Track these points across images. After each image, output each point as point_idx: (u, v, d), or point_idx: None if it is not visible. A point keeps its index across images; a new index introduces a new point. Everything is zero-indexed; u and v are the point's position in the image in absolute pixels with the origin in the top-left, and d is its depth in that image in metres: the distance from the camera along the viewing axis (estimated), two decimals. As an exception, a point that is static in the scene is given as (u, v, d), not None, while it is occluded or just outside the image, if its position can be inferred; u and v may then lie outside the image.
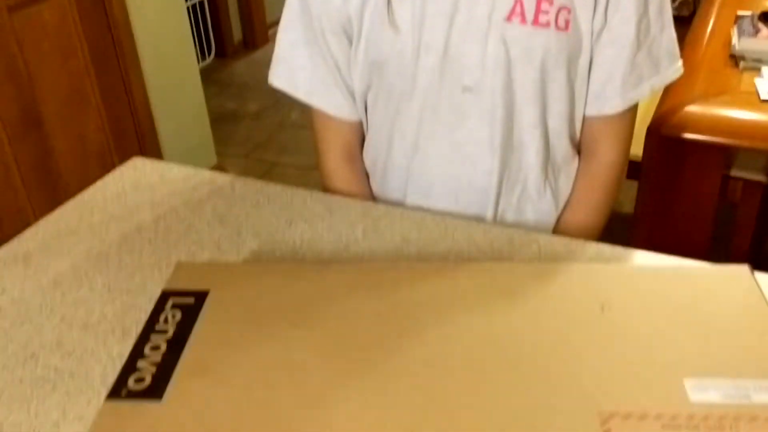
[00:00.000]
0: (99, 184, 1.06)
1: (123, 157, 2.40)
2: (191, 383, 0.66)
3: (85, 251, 0.92)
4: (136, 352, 0.70)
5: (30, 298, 0.84)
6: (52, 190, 2.21)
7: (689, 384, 0.58)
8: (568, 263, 0.80)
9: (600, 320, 0.67)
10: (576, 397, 0.59)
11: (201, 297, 0.74)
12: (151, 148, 2.53)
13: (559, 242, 0.88)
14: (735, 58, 1.69)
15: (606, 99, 0.97)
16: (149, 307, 0.81)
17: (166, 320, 0.73)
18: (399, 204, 1.05)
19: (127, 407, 0.64)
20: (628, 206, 1.99)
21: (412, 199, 1.05)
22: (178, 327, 0.71)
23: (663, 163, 1.86)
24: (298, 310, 0.72)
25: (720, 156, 1.70)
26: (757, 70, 1.62)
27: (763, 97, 1.53)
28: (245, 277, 0.80)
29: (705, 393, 0.57)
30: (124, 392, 0.66)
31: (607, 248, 0.86)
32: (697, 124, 1.61)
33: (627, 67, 0.94)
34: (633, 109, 1.00)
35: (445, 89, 0.95)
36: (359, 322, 0.70)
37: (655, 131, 1.64)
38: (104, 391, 0.71)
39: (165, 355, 0.69)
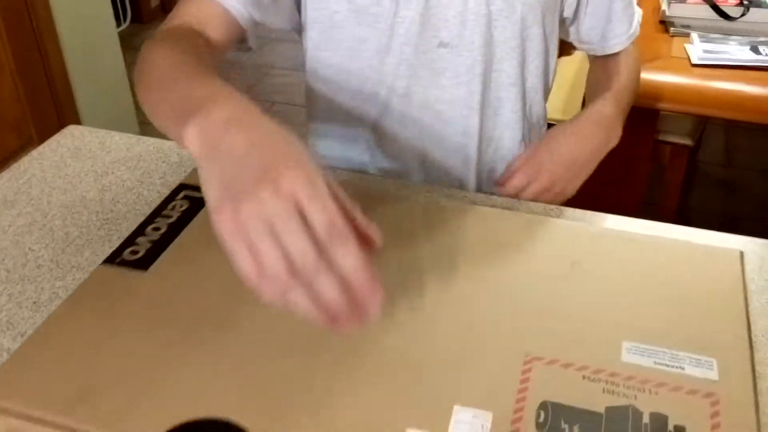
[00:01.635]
0: (34, 154, 1.00)
1: (41, 128, 2.29)
2: (177, 261, 0.73)
3: (27, 225, 0.86)
4: (139, 230, 0.79)
5: (-29, 277, 0.79)
6: (-34, 164, 2.08)
7: (626, 346, 0.59)
8: (555, 219, 0.80)
9: (566, 275, 0.68)
10: (509, 340, 0.60)
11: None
12: (70, 118, 2.42)
13: (537, 206, 0.88)
14: (665, 24, 1.72)
15: (610, 39, 1.03)
16: (104, 282, 0.77)
17: (173, 208, 0.81)
18: (362, 170, 1.02)
19: (115, 273, 0.73)
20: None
21: (377, 163, 1.02)
22: (182, 214, 0.79)
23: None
24: None
25: (652, 121, 1.74)
26: (687, 36, 1.65)
27: (693, 61, 1.57)
28: None
29: (639, 356, 0.59)
30: (117, 260, 0.75)
31: (594, 215, 0.86)
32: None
33: (619, 4, 1.00)
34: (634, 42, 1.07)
35: (422, 44, 0.92)
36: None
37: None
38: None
39: (162, 236, 0.77)
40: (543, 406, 0.55)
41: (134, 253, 0.75)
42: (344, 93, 0.97)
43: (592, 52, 1.08)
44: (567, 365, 0.58)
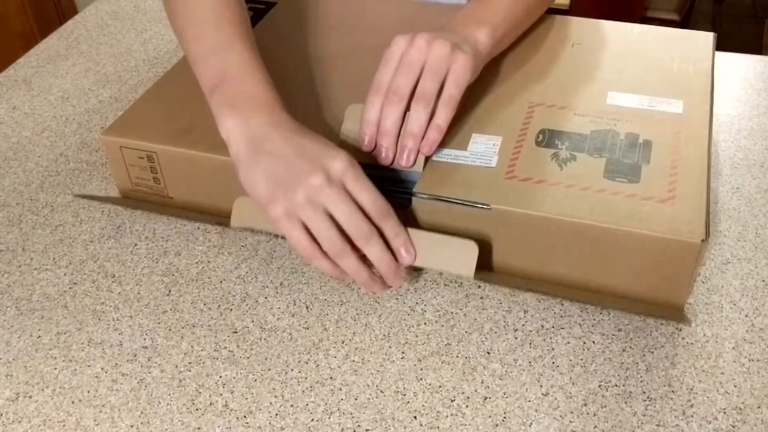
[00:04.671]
0: (77, 18, 1.09)
1: (42, 23, 2.34)
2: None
3: (83, 72, 0.97)
4: None
5: (42, 112, 0.89)
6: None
7: (611, 95, 0.72)
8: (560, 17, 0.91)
9: (567, 51, 0.80)
10: (519, 93, 0.73)
11: (270, 5, 0.92)
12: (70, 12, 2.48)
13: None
14: None
15: None
16: (161, 109, 0.88)
17: None
18: None
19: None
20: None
21: None
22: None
23: (589, 8, 1.98)
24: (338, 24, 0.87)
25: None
26: None
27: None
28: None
29: (621, 100, 0.71)
30: None
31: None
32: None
33: None
34: None
35: None
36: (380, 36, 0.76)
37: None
38: (139, 175, 0.79)
39: None
40: (542, 131, 0.67)
41: None
42: None
43: None
44: (563, 107, 0.70)
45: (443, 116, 0.63)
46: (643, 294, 0.61)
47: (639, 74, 0.75)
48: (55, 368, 0.60)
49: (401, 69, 0.63)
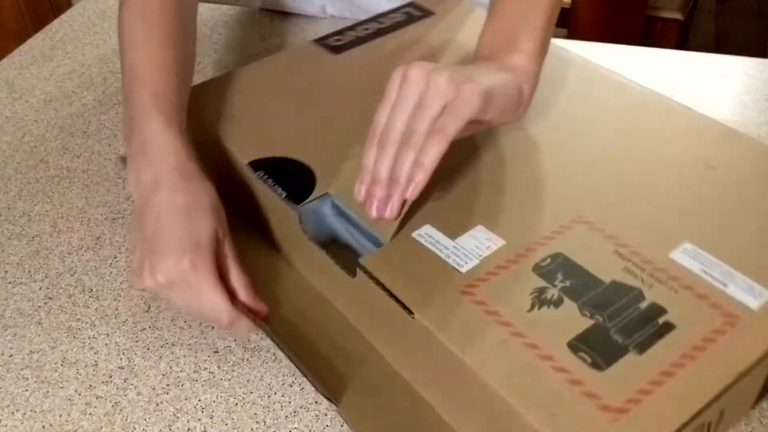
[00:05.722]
0: (63, 17, 1.06)
1: (36, 21, 2.31)
2: (364, 53, 0.78)
3: (67, 74, 0.93)
4: (351, 27, 0.83)
5: (24, 116, 0.86)
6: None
7: (685, 247, 0.54)
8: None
9: (691, 170, 0.61)
10: (574, 197, 0.59)
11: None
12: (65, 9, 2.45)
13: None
14: None
15: None
16: (146, 113, 0.85)
17: (390, 17, 0.84)
18: (317, 14, 1.02)
19: (313, 49, 0.80)
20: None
21: (335, 9, 1.00)
22: (394, 24, 0.83)
23: (591, 7, 1.95)
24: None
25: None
26: None
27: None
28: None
29: (689, 258, 0.53)
30: (321, 42, 0.81)
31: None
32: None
33: None
34: None
35: None
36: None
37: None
38: (122, 184, 0.76)
39: (368, 35, 0.81)
40: (554, 255, 0.53)
41: (338, 41, 0.80)
42: None
43: None
44: (608, 237, 0.54)
45: (429, 153, 0.52)
46: None
47: (751, 233, 0.55)
48: (26, 390, 0.57)
49: (395, 107, 0.54)
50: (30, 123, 0.85)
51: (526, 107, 0.61)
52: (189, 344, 0.59)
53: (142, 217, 0.57)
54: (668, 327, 0.48)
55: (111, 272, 0.66)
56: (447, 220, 0.56)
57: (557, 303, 0.50)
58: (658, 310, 0.49)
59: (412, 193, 0.53)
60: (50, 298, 0.64)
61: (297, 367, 0.54)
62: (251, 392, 0.56)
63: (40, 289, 0.65)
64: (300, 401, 0.55)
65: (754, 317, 0.48)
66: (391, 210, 0.55)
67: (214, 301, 0.54)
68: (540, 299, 0.50)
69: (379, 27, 0.82)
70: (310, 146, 0.65)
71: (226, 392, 0.56)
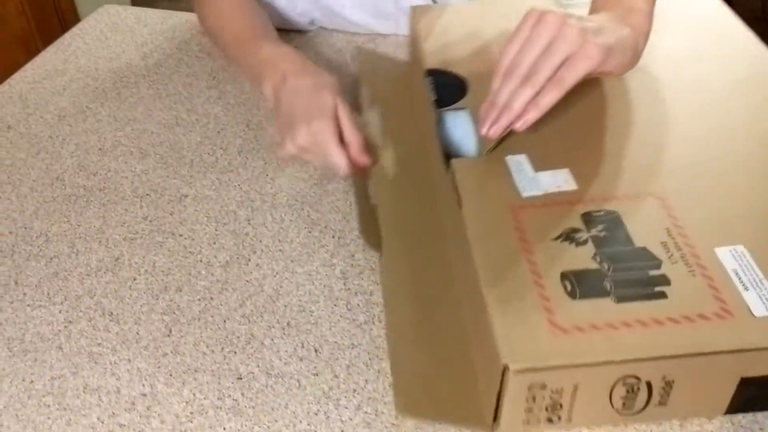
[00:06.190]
0: (75, 31, 1.05)
1: (44, 35, 2.31)
2: None
3: (81, 88, 0.93)
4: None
5: (38, 132, 0.86)
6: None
7: (737, 247, 0.54)
8: None
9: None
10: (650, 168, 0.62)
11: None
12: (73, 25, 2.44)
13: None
14: None
15: None
16: (160, 131, 0.84)
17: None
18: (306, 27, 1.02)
19: None
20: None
21: (323, 21, 1.01)
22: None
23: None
24: None
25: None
26: None
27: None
28: None
29: (730, 258, 0.53)
30: None
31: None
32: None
33: None
34: None
35: None
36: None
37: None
38: (138, 201, 0.75)
39: None
40: (610, 212, 0.57)
41: None
42: None
43: None
44: (672, 216, 0.56)
45: (546, 96, 0.60)
46: None
47: None
48: (49, 417, 0.56)
49: (526, 44, 0.61)
50: (45, 139, 0.84)
51: (637, 62, 0.68)
52: (212, 370, 0.59)
53: (278, 104, 0.73)
54: (660, 295, 0.50)
55: (131, 295, 0.65)
56: (543, 156, 0.63)
57: (580, 244, 0.54)
58: (662, 281, 0.51)
59: (522, 126, 0.61)
60: (70, 321, 0.63)
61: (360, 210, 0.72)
62: (276, 420, 0.55)
63: (60, 312, 0.64)
64: (326, 431, 0.54)
65: (747, 321, 0.49)
66: (495, 131, 0.62)
67: (336, 156, 0.69)
68: (569, 236, 0.55)
69: None
70: (478, 68, 0.75)
71: (251, 420, 0.55)
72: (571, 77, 0.60)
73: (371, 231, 0.69)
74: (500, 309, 0.50)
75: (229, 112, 0.87)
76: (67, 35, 1.04)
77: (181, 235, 0.71)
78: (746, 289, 0.51)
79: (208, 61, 0.96)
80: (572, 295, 0.51)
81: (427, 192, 0.71)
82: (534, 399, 0.49)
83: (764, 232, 0.56)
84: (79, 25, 1.06)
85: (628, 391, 0.50)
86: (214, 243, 0.70)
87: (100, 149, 0.83)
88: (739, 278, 0.52)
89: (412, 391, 0.55)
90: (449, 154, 0.66)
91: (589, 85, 0.68)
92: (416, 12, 0.84)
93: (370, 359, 0.59)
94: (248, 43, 0.84)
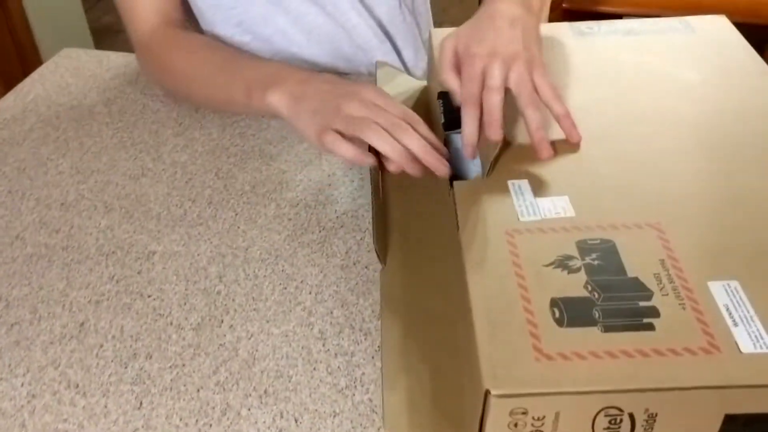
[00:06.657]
0: (35, 76, 1.02)
1: (4, 77, 2.26)
2: None
3: (41, 138, 0.89)
4: None
5: (-4, 186, 0.82)
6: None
7: (732, 282, 0.53)
8: None
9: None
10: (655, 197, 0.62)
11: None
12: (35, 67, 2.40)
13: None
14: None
15: None
16: (126, 182, 0.81)
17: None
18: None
19: None
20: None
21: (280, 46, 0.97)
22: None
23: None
24: None
25: None
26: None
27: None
28: None
29: (723, 293, 0.53)
30: None
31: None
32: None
33: None
34: None
35: None
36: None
37: None
38: (103, 260, 0.72)
39: None
40: (606, 240, 0.56)
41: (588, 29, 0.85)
42: None
43: None
44: (667, 248, 0.56)
45: (563, 105, 0.66)
46: None
47: None
48: (11, 505, 0.53)
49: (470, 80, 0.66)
50: (3, 194, 0.81)
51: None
52: (186, 445, 0.56)
53: (302, 99, 0.72)
54: (648, 327, 0.50)
55: (98, 363, 0.62)
56: (543, 182, 0.63)
57: (573, 271, 0.54)
58: (651, 312, 0.51)
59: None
60: (33, 395, 0.60)
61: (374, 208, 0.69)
62: (256, 500, 0.52)
63: (22, 385, 0.61)
64: None
65: (733, 357, 0.48)
66: (545, 150, 0.65)
67: (410, 114, 0.68)
68: (562, 263, 0.55)
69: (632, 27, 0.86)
70: None
71: (229, 501, 0.52)
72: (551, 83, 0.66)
73: (382, 243, 0.68)
74: (487, 332, 0.50)
75: (197, 161, 0.84)
76: (27, 81, 1.01)
77: (149, 296, 0.68)
78: (735, 324, 0.50)
79: (173, 106, 0.93)
80: (560, 322, 0.50)
81: (438, 207, 0.71)
82: (516, 425, 0.48)
83: (761, 267, 0.55)
84: (39, 70, 1.03)
85: (610, 423, 0.48)
86: (185, 303, 0.67)
87: (62, 204, 0.79)
88: (730, 313, 0.51)
89: (400, 414, 0.54)
90: (455, 175, 0.67)
91: (594, 113, 0.70)
92: (434, 35, 0.83)
93: (353, 427, 0.56)
94: (245, 60, 0.84)
